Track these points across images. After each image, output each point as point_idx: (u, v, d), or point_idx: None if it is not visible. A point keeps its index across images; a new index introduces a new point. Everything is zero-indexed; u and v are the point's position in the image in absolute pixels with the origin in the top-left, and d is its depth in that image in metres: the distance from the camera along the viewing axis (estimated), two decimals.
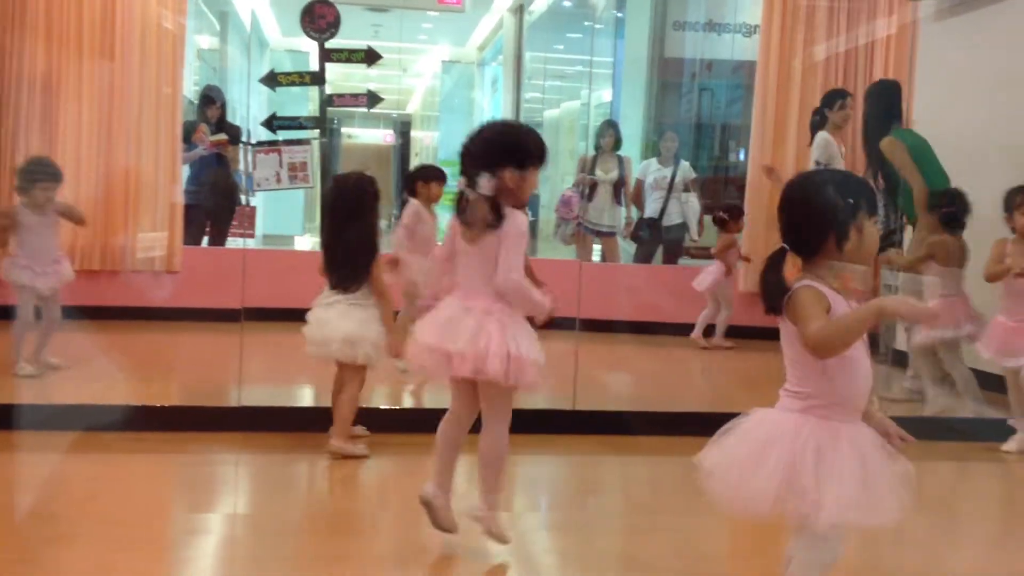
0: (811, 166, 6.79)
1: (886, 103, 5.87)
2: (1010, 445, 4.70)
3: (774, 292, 2.35)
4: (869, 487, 2.26)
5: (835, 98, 6.72)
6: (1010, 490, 4.56)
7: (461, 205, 3.09)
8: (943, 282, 5.17)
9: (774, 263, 2.37)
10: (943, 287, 5.17)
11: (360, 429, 4.41)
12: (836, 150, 6.57)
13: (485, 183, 2.98)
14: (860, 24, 7.87)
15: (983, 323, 5.06)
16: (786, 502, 2.26)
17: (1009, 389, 4.78)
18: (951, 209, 5.20)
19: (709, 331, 7.36)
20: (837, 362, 2.29)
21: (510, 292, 3.01)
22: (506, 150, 3.04)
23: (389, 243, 5.94)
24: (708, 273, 7.32)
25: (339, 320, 4.20)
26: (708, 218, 8.43)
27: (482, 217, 3.02)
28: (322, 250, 4.47)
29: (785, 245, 2.38)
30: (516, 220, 3.03)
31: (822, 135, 6.62)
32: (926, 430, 4.62)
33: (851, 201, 2.34)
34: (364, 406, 4.45)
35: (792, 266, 2.36)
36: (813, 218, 2.35)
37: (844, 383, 2.33)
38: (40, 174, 5.46)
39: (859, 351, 2.34)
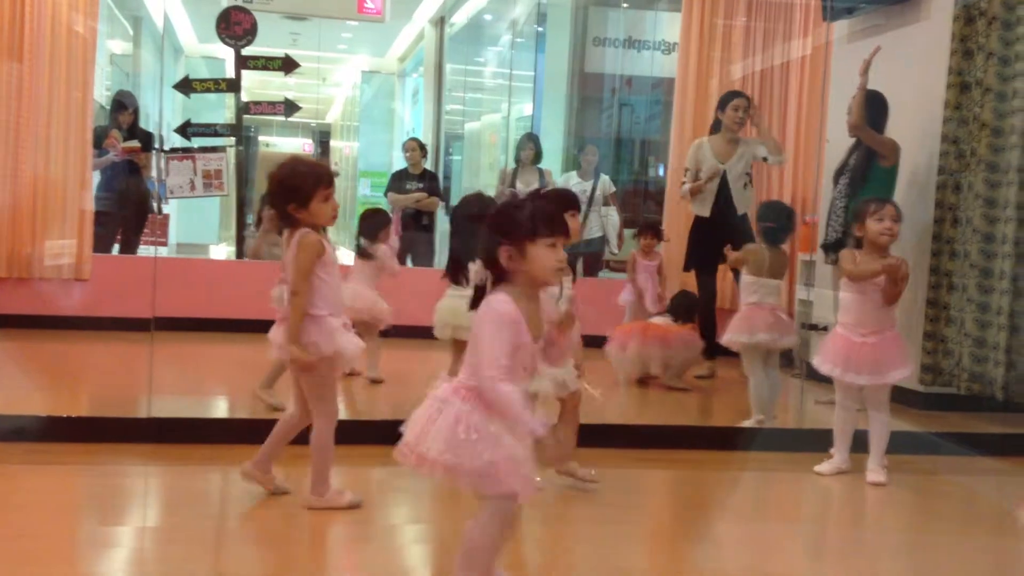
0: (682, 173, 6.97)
1: (880, 110, 5.93)
2: (823, 468, 4.66)
3: None
4: None
5: (727, 99, 6.74)
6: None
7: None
8: (751, 289, 5.31)
9: None
10: (751, 294, 5.31)
11: None
12: (707, 154, 6.71)
13: (473, 272, 2.69)
14: (776, 44, 8.04)
15: (790, 333, 5.29)
16: None
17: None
18: (770, 224, 5.36)
19: None
20: None
21: (486, 395, 2.53)
22: (495, 227, 2.60)
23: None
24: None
25: None
26: (628, 232, 8.52)
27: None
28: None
29: None
30: (490, 304, 2.57)
31: (696, 140, 6.87)
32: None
33: None
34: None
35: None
36: None
37: None
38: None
39: None
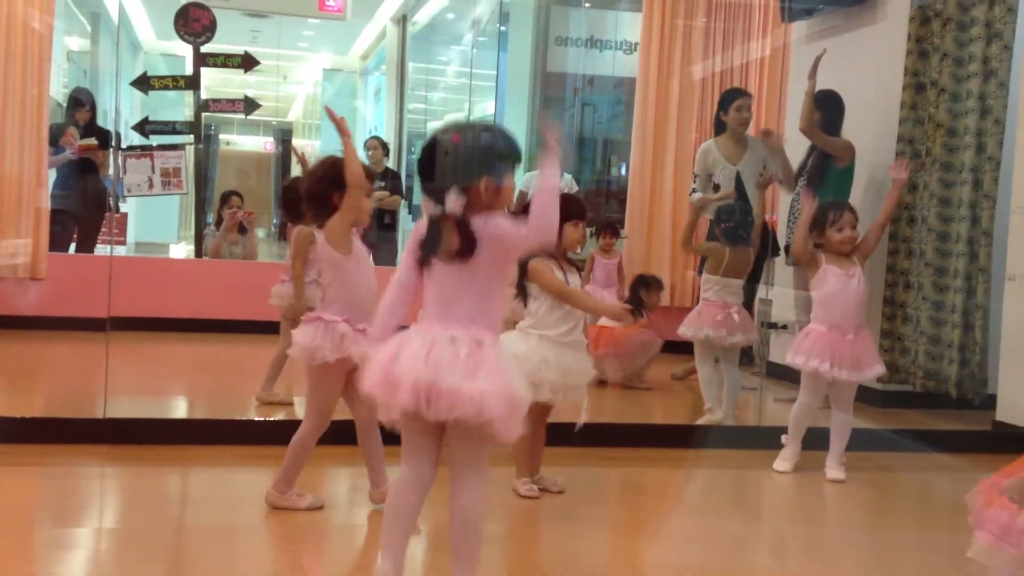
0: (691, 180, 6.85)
1: (836, 110, 5.95)
2: (782, 465, 4.68)
3: None
4: None
5: (730, 99, 6.32)
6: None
7: (431, 230, 2.63)
8: (707, 285, 5.34)
9: None
10: (707, 290, 5.35)
11: None
12: (716, 158, 6.24)
13: (452, 201, 2.55)
14: (735, 45, 8.10)
15: (747, 331, 5.28)
16: None
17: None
18: (728, 224, 5.36)
19: None
20: None
21: (547, 223, 2.55)
22: (482, 157, 2.62)
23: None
24: None
25: None
26: (588, 230, 8.52)
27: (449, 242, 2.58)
28: None
29: None
30: (495, 218, 2.59)
31: (703, 145, 6.47)
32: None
33: None
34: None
35: None
36: None
37: None
38: None
39: None
